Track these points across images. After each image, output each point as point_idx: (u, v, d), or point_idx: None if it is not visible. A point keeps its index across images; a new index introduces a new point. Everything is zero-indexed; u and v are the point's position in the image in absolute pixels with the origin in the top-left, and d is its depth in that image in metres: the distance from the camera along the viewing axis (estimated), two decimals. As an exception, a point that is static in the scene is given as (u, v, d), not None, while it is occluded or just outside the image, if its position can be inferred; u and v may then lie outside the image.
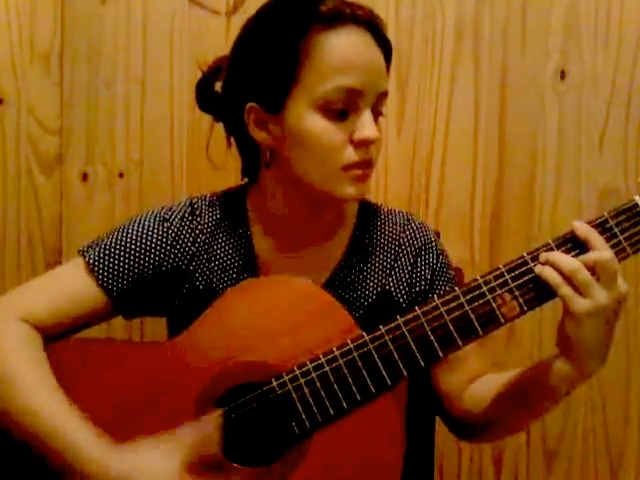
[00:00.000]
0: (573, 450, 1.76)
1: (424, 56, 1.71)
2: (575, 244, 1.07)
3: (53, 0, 1.69)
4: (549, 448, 1.76)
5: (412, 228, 1.32)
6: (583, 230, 1.07)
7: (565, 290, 1.04)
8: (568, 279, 1.04)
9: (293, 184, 1.21)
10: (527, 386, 1.14)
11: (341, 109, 1.14)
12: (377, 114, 1.19)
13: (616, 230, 1.07)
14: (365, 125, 1.15)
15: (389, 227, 1.32)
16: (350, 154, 1.16)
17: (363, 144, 1.16)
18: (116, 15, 1.70)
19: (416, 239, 1.31)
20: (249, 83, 1.20)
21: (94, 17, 1.70)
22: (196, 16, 1.70)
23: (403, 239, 1.31)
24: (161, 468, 1.06)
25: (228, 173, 1.31)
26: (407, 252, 1.30)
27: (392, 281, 1.29)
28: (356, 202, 1.33)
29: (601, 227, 1.07)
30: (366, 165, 1.18)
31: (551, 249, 1.08)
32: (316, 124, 1.14)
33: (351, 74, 1.13)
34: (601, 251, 1.05)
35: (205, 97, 1.30)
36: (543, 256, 1.07)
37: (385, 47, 1.20)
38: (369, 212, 1.33)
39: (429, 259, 1.31)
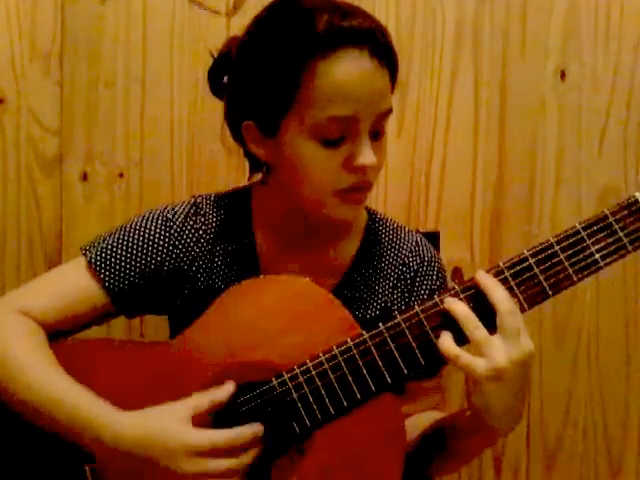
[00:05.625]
0: (573, 450, 1.76)
1: (424, 56, 1.71)
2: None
3: (53, 0, 1.69)
4: (549, 448, 1.76)
5: (420, 250, 1.31)
6: (484, 282, 1.04)
7: (463, 360, 1.02)
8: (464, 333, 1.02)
9: (289, 196, 1.21)
10: (447, 433, 1.16)
11: (337, 137, 1.12)
12: (377, 133, 1.16)
13: (616, 227, 1.06)
14: (361, 152, 1.12)
15: (397, 244, 1.31)
16: (344, 179, 1.14)
17: (358, 170, 1.14)
18: (116, 15, 1.69)
19: (421, 261, 1.30)
20: (246, 103, 1.19)
21: (94, 17, 1.69)
22: (196, 16, 1.70)
23: (409, 258, 1.30)
24: (174, 428, 1.05)
25: (241, 158, 1.30)
26: (410, 271, 1.29)
27: (394, 300, 1.29)
28: (364, 211, 1.32)
29: (601, 223, 1.06)
30: (361, 189, 1.16)
31: (457, 293, 1.07)
32: (310, 151, 1.13)
33: (345, 104, 1.10)
34: (502, 304, 1.02)
35: (216, 85, 1.27)
36: (447, 302, 1.05)
37: (388, 61, 1.15)
38: (379, 226, 1.32)
39: (429, 280, 1.30)
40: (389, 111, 1.17)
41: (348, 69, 1.10)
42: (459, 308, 1.04)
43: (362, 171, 1.14)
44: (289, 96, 1.12)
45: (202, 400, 1.08)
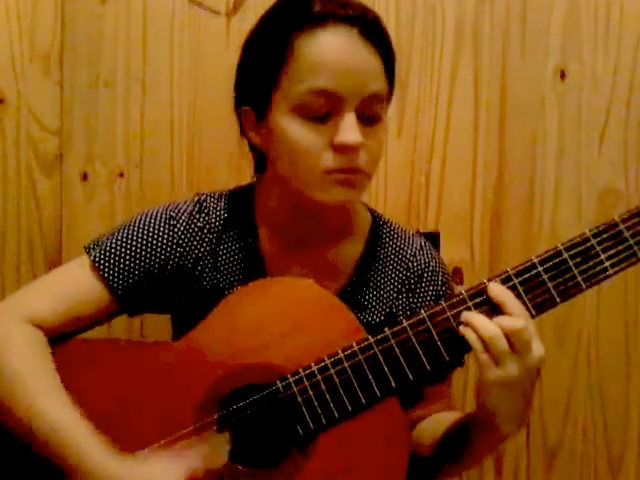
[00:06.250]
0: (573, 450, 1.76)
1: (424, 56, 1.71)
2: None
3: (53, 0, 1.69)
4: (549, 448, 1.76)
5: (423, 254, 1.31)
6: (497, 293, 1.05)
7: (484, 357, 1.04)
8: (486, 345, 1.03)
9: (285, 188, 1.20)
10: (459, 434, 1.16)
11: (322, 113, 1.11)
12: (371, 118, 1.15)
13: (627, 234, 1.06)
14: (344, 129, 1.11)
15: (401, 248, 1.30)
16: (330, 159, 1.13)
17: (343, 149, 1.12)
18: (116, 15, 1.69)
19: (426, 266, 1.30)
20: (243, 86, 1.21)
21: (94, 17, 1.69)
22: (196, 16, 1.69)
23: (413, 263, 1.29)
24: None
25: (241, 158, 1.30)
26: (414, 276, 1.29)
27: (399, 305, 1.28)
28: (368, 214, 1.32)
29: (611, 231, 1.06)
30: (349, 171, 1.14)
31: (464, 300, 1.07)
32: (295, 128, 1.13)
33: (324, 76, 1.10)
34: (515, 318, 1.04)
35: None
36: (464, 315, 1.06)
37: (381, 46, 1.15)
38: (383, 229, 1.31)
39: (434, 285, 1.29)
40: (380, 95, 1.15)
41: (333, 42, 1.11)
42: (481, 322, 1.04)
43: (347, 151, 1.12)
44: (275, 69, 1.13)
45: (197, 463, 1.07)
